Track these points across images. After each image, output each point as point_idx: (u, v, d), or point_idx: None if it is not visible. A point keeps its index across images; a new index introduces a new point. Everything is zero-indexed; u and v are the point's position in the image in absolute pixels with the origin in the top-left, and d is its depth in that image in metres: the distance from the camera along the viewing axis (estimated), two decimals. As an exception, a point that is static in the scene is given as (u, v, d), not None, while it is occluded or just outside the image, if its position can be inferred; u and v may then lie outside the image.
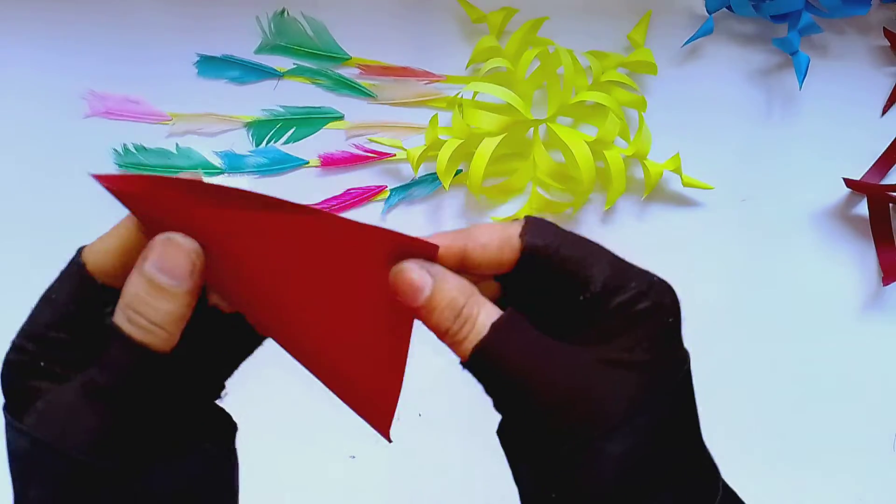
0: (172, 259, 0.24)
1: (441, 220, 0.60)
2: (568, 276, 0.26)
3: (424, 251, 0.27)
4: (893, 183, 0.61)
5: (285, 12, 0.61)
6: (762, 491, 0.58)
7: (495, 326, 0.25)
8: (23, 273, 0.59)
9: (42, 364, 0.26)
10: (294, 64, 0.62)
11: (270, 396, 0.56)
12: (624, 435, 0.25)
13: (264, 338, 0.29)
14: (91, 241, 0.27)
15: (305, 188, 0.60)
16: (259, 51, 0.62)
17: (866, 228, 0.61)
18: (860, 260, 0.61)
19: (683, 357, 0.28)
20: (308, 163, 0.61)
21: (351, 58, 0.62)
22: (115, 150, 0.60)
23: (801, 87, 0.60)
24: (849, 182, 0.59)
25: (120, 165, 0.60)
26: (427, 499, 0.57)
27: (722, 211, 0.61)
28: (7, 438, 0.26)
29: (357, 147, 0.61)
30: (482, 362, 0.25)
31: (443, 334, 0.26)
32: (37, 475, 0.24)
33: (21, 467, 0.25)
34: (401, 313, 0.27)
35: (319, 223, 0.26)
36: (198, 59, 0.61)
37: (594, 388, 0.25)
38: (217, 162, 0.60)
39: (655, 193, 0.61)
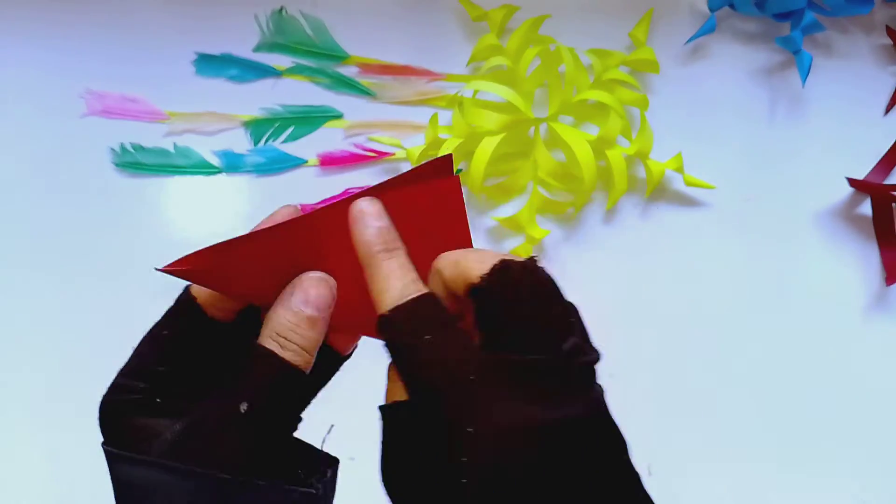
0: (318, 293, 0.28)
1: (441, 219, 0.60)
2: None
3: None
4: (897, 182, 0.61)
5: (284, 10, 0.61)
6: (763, 490, 0.58)
7: (403, 304, 0.27)
8: (22, 272, 0.59)
9: (158, 401, 0.28)
10: (293, 62, 0.61)
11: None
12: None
13: (342, 361, 0.32)
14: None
15: (304, 187, 0.60)
16: (258, 49, 0.61)
17: (869, 228, 0.60)
18: (863, 259, 0.60)
19: (575, 349, 0.26)
20: (307, 162, 0.60)
21: (350, 56, 0.61)
22: (113, 150, 0.60)
23: (803, 86, 0.59)
24: (852, 181, 0.59)
25: (118, 164, 0.60)
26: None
27: (724, 210, 0.60)
28: (116, 474, 0.27)
29: (356, 146, 0.60)
30: (386, 333, 0.27)
31: (369, 257, 0.28)
32: (166, 499, 0.26)
33: (138, 495, 0.26)
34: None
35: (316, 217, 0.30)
36: (196, 57, 0.61)
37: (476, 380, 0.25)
38: (215, 161, 0.60)
39: (658, 193, 0.60)
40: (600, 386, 0.26)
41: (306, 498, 0.27)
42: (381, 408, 0.28)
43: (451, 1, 0.62)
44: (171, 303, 0.30)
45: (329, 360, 0.31)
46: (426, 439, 0.25)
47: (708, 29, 0.60)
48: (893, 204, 0.60)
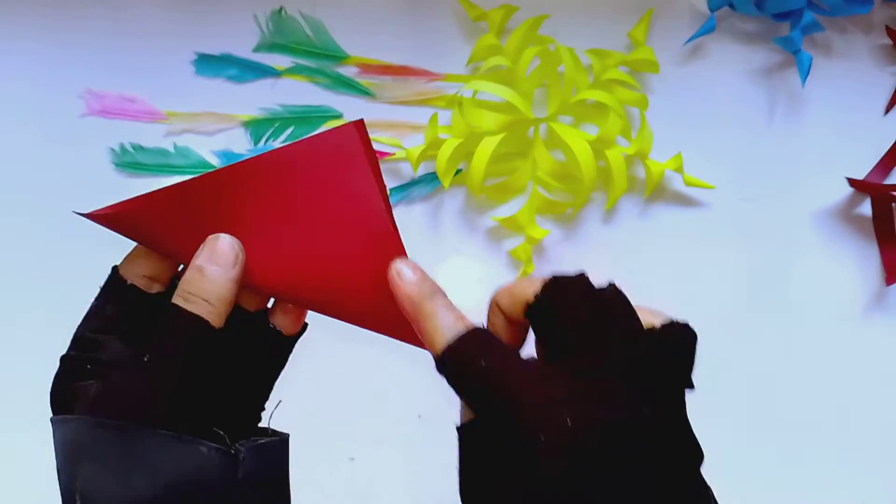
0: (220, 252, 0.29)
1: (441, 219, 0.60)
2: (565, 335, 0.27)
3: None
4: (896, 182, 0.61)
5: (283, 11, 0.61)
6: (763, 490, 0.58)
7: (462, 337, 0.27)
8: (22, 272, 0.59)
9: (88, 367, 0.30)
10: (292, 62, 0.61)
11: (270, 399, 0.56)
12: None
13: (293, 342, 0.33)
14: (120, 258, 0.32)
15: (304, 188, 0.60)
16: (257, 49, 0.61)
17: (869, 228, 0.60)
18: (863, 259, 0.60)
19: (645, 353, 0.27)
20: (307, 162, 0.60)
21: (350, 56, 0.61)
22: (113, 150, 0.60)
23: (803, 86, 0.59)
24: (852, 181, 0.59)
25: (117, 165, 0.60)
26: (427, 500, 0.57)
27: (724, 210, 0.60)
28: (55, 438, 0.29)
29: (356, 146, 0.60)
30: (448, 369, 0.27)
31: (416, 312, 0.29)
32: (87, 453, 0.27)
33: (69, 452, 0.28)
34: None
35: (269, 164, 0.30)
36: (195, 57, 0.61)
37: (552, 392, 0.25)
38: (215, 161, 0.60)
39: (657, 193, 0.60)
40: (682, 391, 0.27)
41: (220, 456, 0.28)
42: (458, 428, 0.28)
43: (450, 1, 0.62)
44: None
45: (278, 342, 0.33)
46: (501, 455, 0.26)
47: (707, 29, 0.60)
48: (893, 204, 0.60)
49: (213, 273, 0.29)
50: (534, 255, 0.59)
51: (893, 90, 0.62)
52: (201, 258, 0.29)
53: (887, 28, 0.62)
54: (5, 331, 0.58)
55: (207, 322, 0.29)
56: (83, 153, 0.60)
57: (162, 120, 0.60)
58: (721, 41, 0.62)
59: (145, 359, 0.28)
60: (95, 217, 0.30)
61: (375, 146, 0.60)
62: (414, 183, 0.60)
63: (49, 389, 0.30)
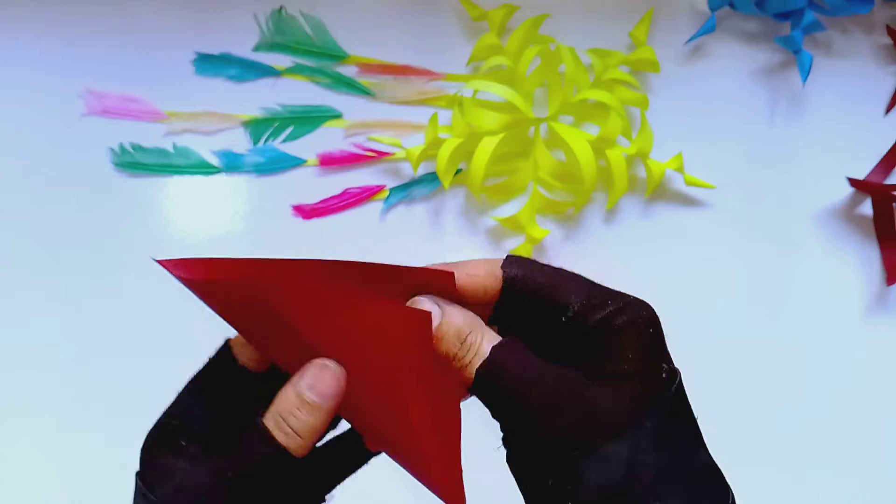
0: (323, 381, 0.28)
1: (441, 219, 0.60)
2: (547, 301, 0.29)
3: (441, 279, 0.29)
4: (897, 182, 0.61)
5: (283, 10, 0.61)
6: (763, 489, 0.58)
7: (495, 350, 0.28)
8: (22, 272, 0.59)
9: (183, 443, 0.30)
10: (292, 62, 0.61)
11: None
12: (629, 440, 0.26)
13: (370, 457, 0.33)
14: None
15: (304, 187, 0.60)
16: (257, 49, 0.61)
17: (870, 228, 0.60)
18: (864, 259, 0.60)
19: (674, 371, 0.29)
20: (306, 162, 0.60)
21: (350, 56, 0.61)
22: (113, 149, 0.60)
23: (804, 86, 0.59)
24: (853, 181, 0.59)
25: (117, 164, 0.60)
26: (427, 500, 0.57)
27: (725, 210, 0.60)
28: (135, 499, 0.29)
29: (356, 146, 0.60)
30: (486, 383, 0.28)
31: (451, 360, 0.28)
32: None
33: None
34: (447, 374, 0.29)
35: (345, 270, 0.28)
36: (195, 57, 0.61)
37: (594, 400, 0.27)
38: (215, 161, 0.60)
39: (658, 193, 0.60)
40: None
41: None
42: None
43: (451, 1, 0.62)
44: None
45: (358, 450, 0.32)
46: (545, 467, 0.27)
47: (708, 28, 0.60)
48: (894, 204, 0.60)
49: (313, 403, 0.28)
50: (534, 255, 0.59)
51: (894, 90, 0.62)
52: (304, 383, 0.28)
53: (888, 28, 0.62)
54: (5, 331, 0.58)
55: (291, 455, 0.28)
56: (83, 153, 0.60)
57: (162, 120, 0.60)
58: (722, 41, 0.62)
59: (229, 474, 0.28)
60: (178, 271, 0.27)
61: (375, 146, 0.60)
62: (414, 183, 0.60)
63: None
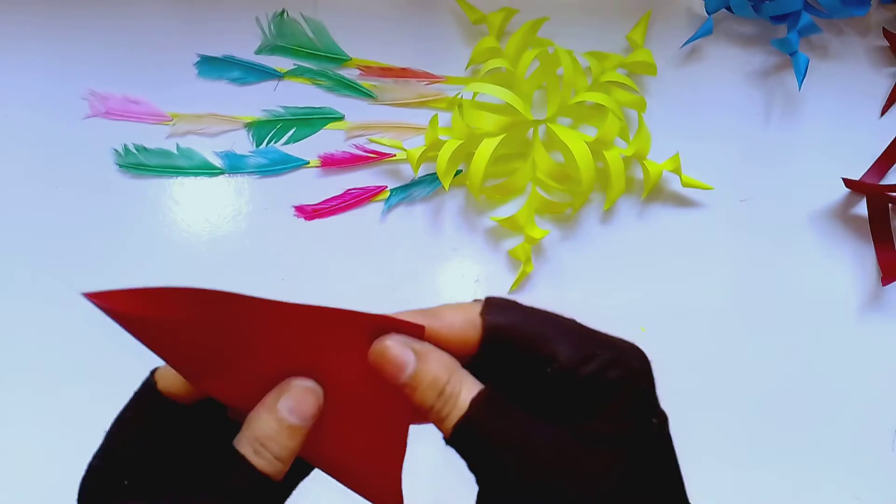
0: (305, 402, 0.26)
1: (441, 220, 0.61)
2: (532, 352, 0.26)
3: (410, 331, 0.27)
4: (892, 183, 0.61)
5: (285, 13, 0.61)
6: (761, 489, 0.58)
7: (474, 402, 0.25)
8: (25, 273, 0.59)
9: (125, 483, 0.27)
10: (294, 64, 0.62)
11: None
12: (611, 499, 0.25)
13: (305, 475, 0.31)
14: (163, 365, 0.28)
15: (305, 188, 0.60)
16: (259, 51, 0.62)
17: (865, 228, 0.61)
18: (859, 260, 0.61)
19: (662, 420, 0.27)
20: (308, 163, 0.61)
21: (351, 58, 0.62)
22: (116, 151, 0.60)
23: (800, 88, 0.60)
24: (848, 182, 0.60)
25: (121, 166, 0.60)
26: (427, 500, 0.57)
27: (721, 211, 0.61)
28: None
29: (357, 147, 0.61)
30: (464, 439, 0.26)
31: (426, 412, 0.26)
32: None
33: None
34: (396, 396, 0.27)
35: (300, 314, 0.26)
36: (198, 59, 0.61)
37: (579, 464, 0.25)
38: (217, 162, 0.61)
39: (655, 194, 0.61)
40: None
41: None
42: None
43: (450, 4, 0.62)
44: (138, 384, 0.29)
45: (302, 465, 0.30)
46: None
47: (705, 31, 0.61)
48: (889, 204, 0.60)
49: (294, 427, 0.26)
50: (533, 255, 0.60)
51: (889, 92, 0.62)
52: (285, 406, 0.26)
53: (884, 30, 0.62)
54: (7, 331, 0.58)
55: (274, 482, 0.27)
56: (87, 154, 0.60)
57: (165, 121, 0.61)
58: (718, 43, 0.63)
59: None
60: (103, 303, 0.25)
61: (376, 147, 0.61)
62: (414, 184, 0.60)
63: (77, 496, 0.28)
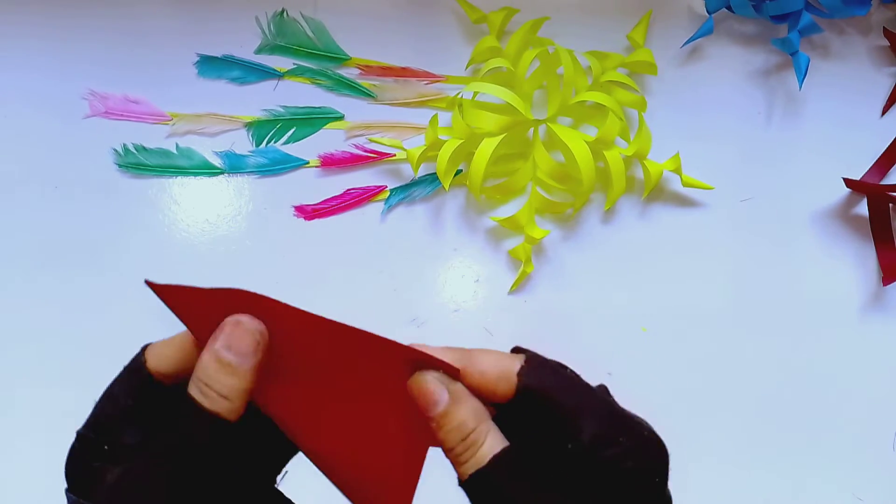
0: (239, 339, 0.27)
1: (441, 220, 0.61)
2: (559, 422, 0.27)
3: (447, 370, 0.28)
4: (893, 183, 0.61)
5: (285, 13, 0.61)
6: (761, 489, 0.58)
7: (495, 459, 0.26)
8: (25, 273, 0.59)
9: (105, 448, 0.29)
10: (294, 64, 0.62)
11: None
12: None
13: None
14: (154, 341, 0.30)
15: (305, 188, 0.60)
16: (259, 51, 0.62)
17: (866, 228, 0.61)
18: (860, 260, 0.61)
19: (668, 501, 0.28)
20: (308, 163, 0.61)
21: (351, 58, 0.62)
22: (116, 151, 0.60)
23: (801, 88, 0.60)
24: (849, 182, 0.59)
25: (121, 165, 0.60)
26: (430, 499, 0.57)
27: (722, 211, 0.61)
28: None
29: (357, 147, 0.61)
30: (476, 490, 0.27)
31: (447, 451, 0.27)
32: None
33: None
34: (418, 427, 0.28)
35: (350, 335, 0.28)
36: (198, 59, 0.61)
37: None
38: (217, 162, 0.61)
39: (656, 193, 0.61)
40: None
41: None
42: None
43: (450, 3, 0.62)
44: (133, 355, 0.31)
45: None
46: None
47: (706, 31, 0.61)
48: (890, 204, 0.60)
49: (233, 363, 0.27)
50: (533, 255, 0.60)
51: (890, 91, 0.62)
52: (219, 343, 0.27)
53: (885, 30, 0.62)
54: (7, 331, 0.58)
55: (226, 420, 0.27)
56: (87, 154, 0.60)
57: (165, 121, 0.61)
58: (719, 43, 0.63)
59: (163, 456, 0.27)
60: (165, 291, 0.28)
61: (376, 147, 0.61)
62: (414, 184, 0.60)
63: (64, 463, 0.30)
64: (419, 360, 0.28)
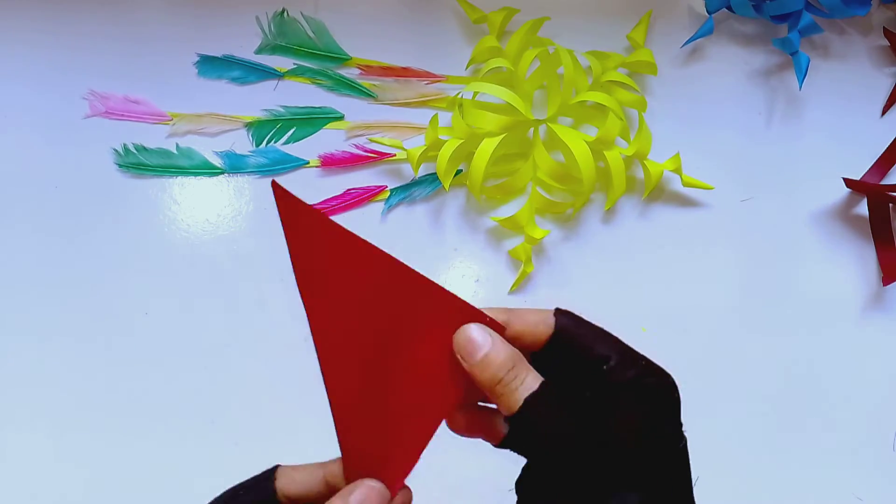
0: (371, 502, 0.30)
1: (441, 220, 0.61)
2: (590, 353, 0.31)
3: (493, 326, 0.31)
4: (893, 183, 0.61)
5: (285, 13, 0.61)
6: (762, 489, 0.58)
7: (539, 390, 0.30)
8: (25, 273, 0.59)
9: None
10: (294, 64, 0.62)
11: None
12: (640, 493, 0.29)
13: None
14: (287, 464, 0.32)
15: (306, 188, 0.60)
16: (259, 51, 0.62)
17: (866, 228, 0.61)
18: (860, 259, 0.61)
19: (683, 436, 0.32)
20: (308, 163, 0.61)
21: (351, 58, 0.62)
22: (116, 151, 0.60)
23: (801, 88, 0.60)
24: (849, 182, 0.60)
25: (121, 165, 0.60)
26: (431, 499, 0.57)
27: (722, 211, 0.61)
28: None
29: (357, 147, 0.61)
30: (531, 413, 0.29)
31: (495, 384, 0.30)
32: None
33: None
34: (442, 394, 0.31)
35: (413, 279, 0.30)
36: (198, 59, 0.61)
37: (616, 455, 0.29)
38: (217, 162, 0.61)
39: (656, 193, 0.61)
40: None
41: None
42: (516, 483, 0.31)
43: (451, 3, 0.62)
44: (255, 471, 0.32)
45: None
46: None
47: (706, 31, 0.61)
48: (890, 204, 0.60)
49: None
50: (533, 255, 0.60)
51: (890, 91, 0.62)
52: (353, 499, 0.30)
53: (885, 30, 0.62)
54: (8, 332, 0.58)
55: None
56: (87, 154, 0.60)
57: (165, 121, 0.61)
58: (719, 43, 0.63)
59: None
60: (281, 202, 0.31)
61: (376, 147, 0.61)
62: (415, 184, 0.60)
63: None
64: (468, 313, 0.31)
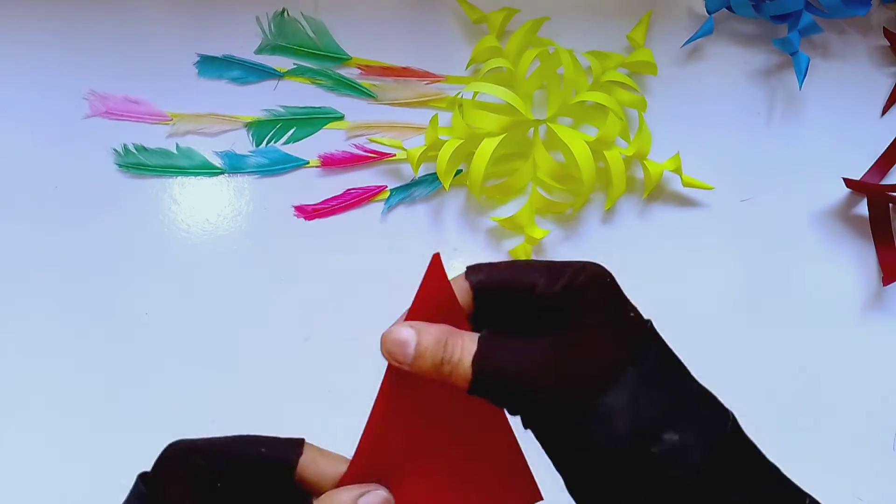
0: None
1: (441, 220, 0.61)
2: (516, 290, 0.31)
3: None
4: (893, 183, 0.61)
5: (285, 13, 0.61)
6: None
7: (482, 339, 0.29)
8: (25, 273, 0.59)
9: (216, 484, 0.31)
10: (294, 64, 0.62)
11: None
12: (620, 388, 0.28)
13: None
14: (314, 444, 0.32)
15: (305, 188, 0.60)
16: (259, 51, 0.62)
17: (866, 228, 0.61)
18: (860, 260, 0.61)
19: (641, 318, 0.32)
20: (308, 163, 0.61)
21: (351, 58, 0.62)
22: (116, 151, 0.60)
23: (801, 87, 0.60)
24: (849, 182, 0.60)
25: (121, 165, 0.60)
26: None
27: (722, 211, 0.61)
28: None
29: (357, 147, 0.61)
30: (484, 371, 0.29)
31: (438, 366, 0.29)
32: None
33: None
34: (499, 431, 0.32)
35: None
36: (198, 59, 0.61)
37: (576, 360, 0.29)
38: (217, 162, 0.61)
39: (656, 193, 0.61)
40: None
41: None
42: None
43: (451, 3, 0.62)
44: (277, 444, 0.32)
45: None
46: (555, 437, 0.29)
47: (706, 31, 0.61)
48: (890, 204, 0.60)
49: None
50: (533, 255, 0.60)
51: (890, 91, 0.62)
52: (364, 501, 0.30)
53: (885, 30, 0.62)
54: (8, 333, 0.58)
55: None
56: (87, 154, 0.60)
57: (165, 121, 0.61)
58: (719, 43, 0.63)
59: None
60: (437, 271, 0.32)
61: (376, 147, 0.61)
62: (415, 184, 0.60)
63: None
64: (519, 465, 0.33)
